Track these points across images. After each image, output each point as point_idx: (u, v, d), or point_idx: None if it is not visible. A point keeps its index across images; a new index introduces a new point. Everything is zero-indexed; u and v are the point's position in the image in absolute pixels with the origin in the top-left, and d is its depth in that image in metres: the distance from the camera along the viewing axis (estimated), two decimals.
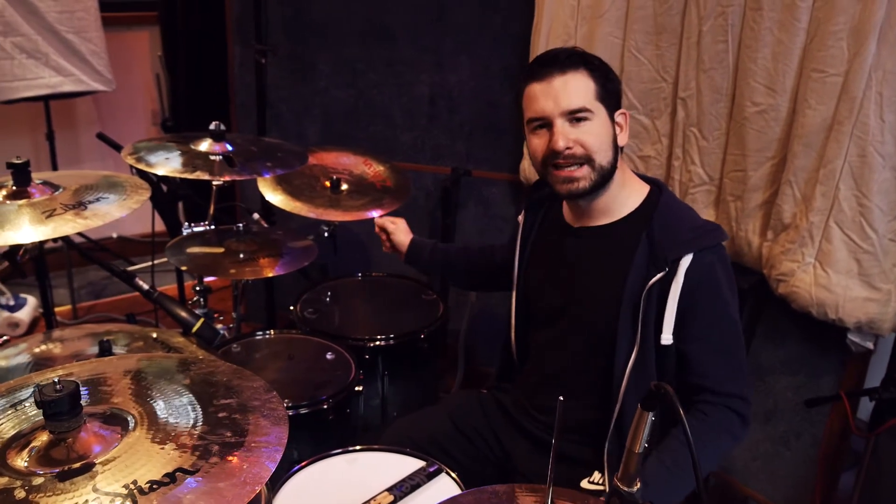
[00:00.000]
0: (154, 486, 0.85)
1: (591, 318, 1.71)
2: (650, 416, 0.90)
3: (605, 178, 1.65)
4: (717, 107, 2.22)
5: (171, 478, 0.86)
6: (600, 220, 1.72)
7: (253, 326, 3.36)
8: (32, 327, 3.57)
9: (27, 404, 1.06)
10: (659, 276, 1.56)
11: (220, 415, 0.98)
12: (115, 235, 4.24)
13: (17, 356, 1.87)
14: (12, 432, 0.98)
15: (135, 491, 0.84)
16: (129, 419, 0.98)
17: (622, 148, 1.68)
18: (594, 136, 1.61)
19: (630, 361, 1.62)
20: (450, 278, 2.55)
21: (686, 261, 1.56)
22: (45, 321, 2.24)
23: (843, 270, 2.01)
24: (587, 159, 1.62)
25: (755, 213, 2.21)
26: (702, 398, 1.63)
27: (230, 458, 0.90)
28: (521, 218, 1.91)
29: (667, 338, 1.58)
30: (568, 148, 1.61)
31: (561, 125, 1.61)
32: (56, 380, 0.90)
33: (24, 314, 3.54)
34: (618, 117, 1.66)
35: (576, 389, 1.75)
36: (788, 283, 2.10)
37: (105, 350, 1.74)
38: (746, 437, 1.67)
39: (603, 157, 1.63)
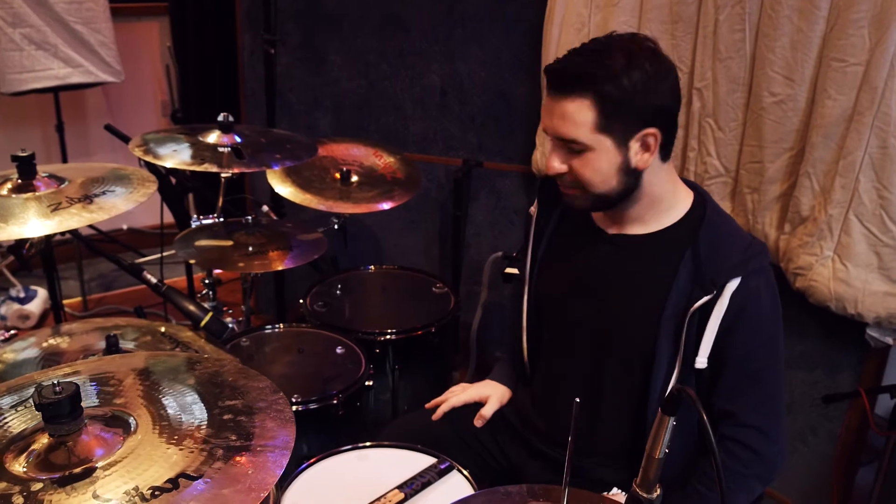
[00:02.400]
0: (156, 493, 0.82)
1: (625, 334, 1.58)
2: (671, 421, 0.87)
3: (610, 200, 1.52)
4: (734, 97, 2.18)
5: (173, 483, 0.84)
6: (639, 228, 1.57)
7: (264, 319, 3.36)
8: (42, 320, 3.57)
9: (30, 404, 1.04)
10: (705, 299, 1.45)
11: (226, 417, 0.96)
12: (125, 227, 4.24)
13: (25, 350, 1.86)
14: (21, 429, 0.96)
15: (136, 498, 0.81)
16: (130, 421, 0.96)
17: (641, 171, 1.48)
18: (589, 169, 1.46)
19: (671, 384, 1.51)
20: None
21: (733, 284, 1.44)
22: (54, 315, 2.23)
23: (863, 264, 1.97)
24: (580, 186, 1.50)
25: (772, 205, 2.17)
26: (720, 430, 1.53)
27: (235, 462, 0.88)
28: (533, 210, 1.76)
29: (702, 361, 1.47)
30: (558, 174, 1.51)
31: (555, 147, 1.49)
32: (55, 381, 0.88)
33: (35, 306, 3.54)
34: (635, 142, 1.44)
35: (601, 407, 1.63)
36: (806, 277, 2.06)
37: (111, 345, 1.72)
38: (775, 474, 1.54)
39: (602, 187, 1.48)
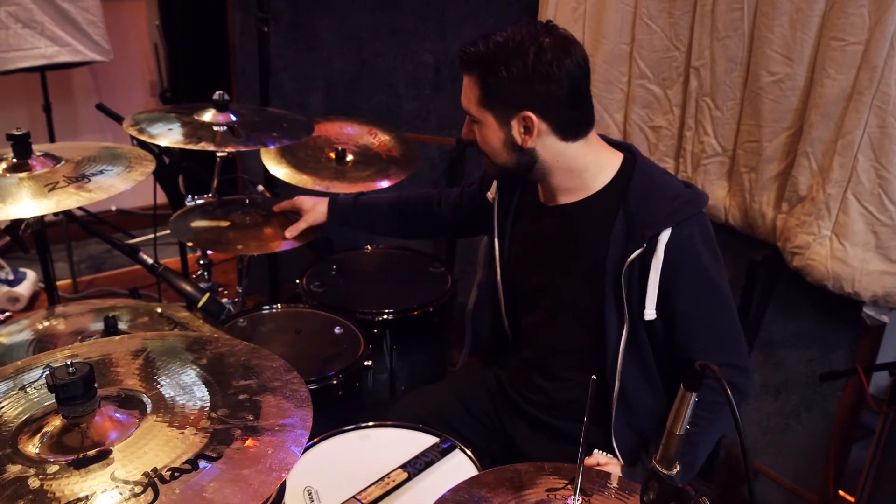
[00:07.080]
0: (175, 474, 0.81)
1: (574, 296, 1.68)
2: (693, 397, 0.87)
3: (510, 171, 1.64)
4: (732, 76, 2.18)
5: (192, 465, 0.83)
6: (570, 197, 1.65)
7: (255, 300, 3.34)
8: (33, 302, 3.54)
9: (33, 388, 1.01)
10: (637, 252, 1.53)
11: (241, 397, 0.95)
12: (114, 208, 4.19)
13: (19, 333, 1.84)
14: (22, 416, 0.94)
15: (155, 479, 0.80)
16: (145, 402, 0.94)
17: (530, 149, 1.56)
18: (482, 140, 1.61)
19: (623, 338, 1.60)
20: (381, 229, 2.28)
21: (665, 235, 1.51)
22: (48, 296, 2.20)
23: (860, 243, 1.98)
24: (483, 153, 1.65)
25: (769, 184, 2.17)
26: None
27: (254, 442, 0.87)
28: (490, 195, 1.83)
29: (650, 313, 1.56)
30: (469, 140, 1.65)
31: (467, 117, 1.63)
32: (69, 362, 0.87)
33: (24, 289, 3.51)
34: (516, 122, 1.54)
35: (567, 368, 1.74)
36: (804, 256, 2.07)
37: (110, 327, 1.71)
38: (745, 405, 1.63)
39: (496, 159, 1.62)
